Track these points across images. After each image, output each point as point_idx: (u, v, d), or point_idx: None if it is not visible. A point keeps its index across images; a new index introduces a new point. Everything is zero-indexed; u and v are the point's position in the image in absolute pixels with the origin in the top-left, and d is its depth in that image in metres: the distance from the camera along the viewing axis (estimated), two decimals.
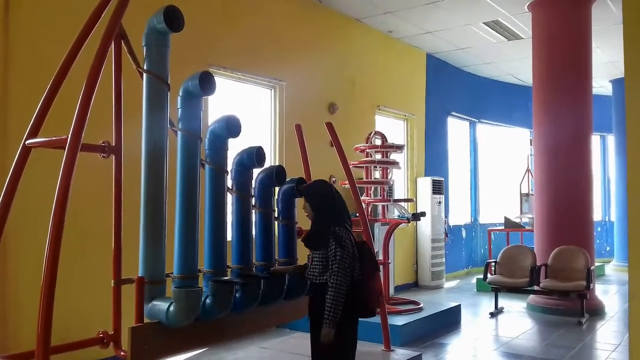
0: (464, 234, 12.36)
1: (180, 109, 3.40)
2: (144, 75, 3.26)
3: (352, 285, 3.36)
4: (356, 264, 3.42)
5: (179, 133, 3.39)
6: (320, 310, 3.32)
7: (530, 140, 11.25)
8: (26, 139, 3.14)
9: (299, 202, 4.43)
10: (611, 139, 14.52)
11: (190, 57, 5.78)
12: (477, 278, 10.31)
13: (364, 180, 7.31)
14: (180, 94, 3.39)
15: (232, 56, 6.85)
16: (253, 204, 3.91)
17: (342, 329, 3.33)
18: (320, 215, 3.52)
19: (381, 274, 6.62)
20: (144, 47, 3.27)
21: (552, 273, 7.83)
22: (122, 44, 3.33)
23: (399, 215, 7.36)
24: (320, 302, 3.33)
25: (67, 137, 2.70)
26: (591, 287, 7.53)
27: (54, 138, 2.92)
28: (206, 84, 3.33)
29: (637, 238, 2.74)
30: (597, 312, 7.93)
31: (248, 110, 7.38)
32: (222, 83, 6.91)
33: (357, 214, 5.39)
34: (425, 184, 10.54)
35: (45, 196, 3.03)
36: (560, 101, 8.19)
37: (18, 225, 4.58)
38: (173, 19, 3.20)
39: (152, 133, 3.25)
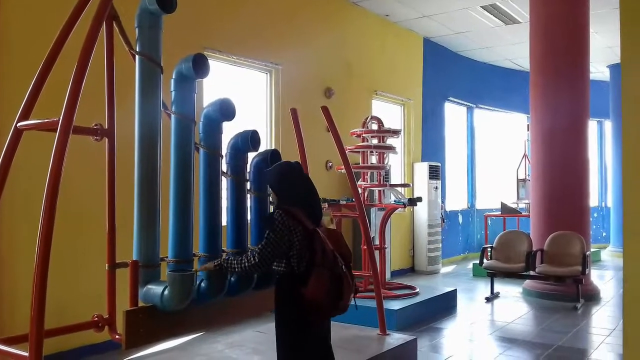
0: (460, 219, 12.38)
1: (173, 92, 3.36)
2: (137, 57, 3.22)
3: (292, 278, 2.99)
4: (304, 254, 2.96)
5: (173, 116, 3.36)
6: (276, 303, 3.12)
7: (528, 125, 11.23)
8: (17, 122, 3.11)
9: None
10: (608, 125, 14.51)
11: (185, 40, 5.73)
12: (473, 263, 10.34)
13: (361, 165, 7.28)
14: (174, 77, 3.35)
15: (228, 39, 6.78)
16: (248, 188, 3.88)
17: (289, 332, 3.07)
18: (278, 200, 3.18)
19: (377, 258, 6.66)
20: (137, 29, 3.23)
21: (548, 258, 7.85)
22: (114, 25, 3.28)
23: (395, 201, 7.35)
24: (276, 295, 3.13)
25: (59, 119, 2.66)
26: (587, 272, 7.56)
27: (46, 120, 2.88)
28: (200, 66, 3.29)
29: (632, 223, 2.73)
30: (592, 297, 7.96)
31: (244, 94, 7.33)
32: (218, 67, 6.86)
33: (353, 199, 5.38)
34: (422, 169, 10.53)
35: (38, 179, 2.99)
36: (557, 86, 8.15)
37: (12, 209, 4.56)
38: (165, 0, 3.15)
39: (145, 116, 3.21)
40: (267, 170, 3.42)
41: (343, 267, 3.01)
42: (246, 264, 3.00)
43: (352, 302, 3.13)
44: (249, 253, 3.04)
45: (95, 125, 3.16)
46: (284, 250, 2.97)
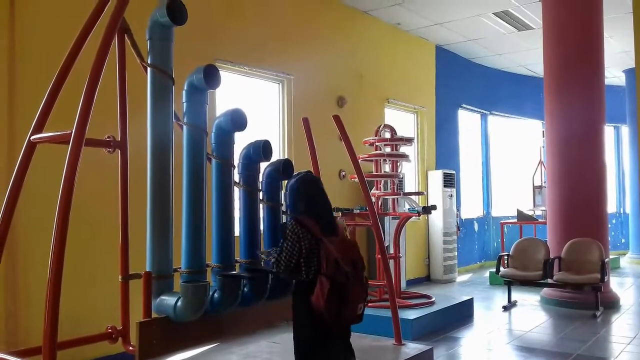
0: (476, 227, 12.27)
1: (185, 103, 3.38)
2: (148, 69, 3.25)
3: (303, 286, 3.16)
4: (312, 262, 3.12)
5: (185, 127, 3.38)
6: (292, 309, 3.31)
7: (543, 132, 11.14)
8: (31, 135, 3.14)
9: None
10: (625, 130, 14.33)
11: (197, 51, 5.77)
12: (490, 271, 10.23)
13: (374, 173, 7.26)
14: (185, 88, 3.37)
15: (239, 50, 6.82)
16: (261, 197, 3.88)
17: (299, 332, 3.27)
18: (292, 210, 3.42)
19: (392, 267, 6.62)
20: (148, 41, 3.26)
21: (566, 266, 7.74)
22: (126, 38, 3.31)
23: (409, 209, 7.31)
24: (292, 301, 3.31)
25: (71, 132, 2.68)
26: (606, 279, 7.44)
27: (59, 133, 2.90)
28: (211, 77, 3.31)
29: None
30: (612, 305, 7.83)
31: (256, 104, 7.36)
32: (229, 77, 6.89)
33: (367, 208, 5.36)
34: (436, 177, 10.47)
35: (52, 192, 3.02)
36: (572, 92, 8.07)
37: (26, 222, 4.61)
38: (176, 12, 3.18)
39: (157, 127, 3.24)
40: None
41: (348, 275, 3.07)
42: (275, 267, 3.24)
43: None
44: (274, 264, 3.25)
45: (108, 137, 3.19)
46: (297, 257, 3.12)
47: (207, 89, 3.38)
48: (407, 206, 7.50)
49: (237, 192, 3.74)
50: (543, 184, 11.72)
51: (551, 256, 7.89)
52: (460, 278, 10.74)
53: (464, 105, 11.92)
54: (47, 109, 3.14)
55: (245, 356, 4.69)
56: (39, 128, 3.13)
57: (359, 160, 5.52)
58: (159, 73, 3.22)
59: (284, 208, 4.13)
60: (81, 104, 2.71)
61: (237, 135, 3.65)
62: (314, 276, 3.08)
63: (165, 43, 3.27)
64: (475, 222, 12.26)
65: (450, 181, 10.54)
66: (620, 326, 6.85)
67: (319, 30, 8.23)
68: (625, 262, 12.91)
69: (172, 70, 3.29)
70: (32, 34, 4.86)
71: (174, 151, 3.30)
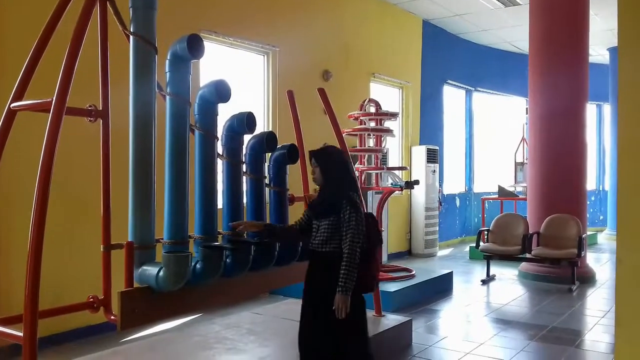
0: (458, 202, 12.40)
1: (168, 73, 3.34)
2: (131, 37, 3.19)
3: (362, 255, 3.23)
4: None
5: (168, 97, 3.34)
6: (320, 281, 3.25)
7: (526, 108, 11.20)
8: (11, 102, 3.09)
9: (291, 169, 4.41)
10: (607, 108, 14.46)
11: (181, 21, 5.69)
12: (470, 246, 10.39)
13: (358, 148, 7.27)
14: (169, 58, 3.32)
15: (224, 21, 6.73)
16: (244, 170, 3.88)
17: (355, 299, 3.19)
18: (332, 182, 3.35)
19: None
20: (131, 9, 3.19)
21: (544, 241, 7.88)
22: (108, 5, 3.24)
23: (392, 184, 7.36)
24: (322, 272, 3.23)
25: (52, 99, 2.65)
26: (582, 254, 7.60)
27: (39, 101, 2.86)
28: (194, 47, 3.26)
29: (625, 204, 2.73)
30: (588, 279, 8.01)
31: (241, 76, 7.29)
32: (214, 48, 6.81)
33: None
34: (420, 153, 10.52)
35: (35, 161, 2.98)
36: (556, 69, 8.12)
37: (7, 191, 4.56)
38: None
39: (140, 97, 3.20)
40: (320, 152, 3.47)
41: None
42: (357, 258, 3.14)
43: None
44: (354, 246, 3.14)
45: (90, 106, 3.14)
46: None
47: (190, 59, 3.34)
48: (390, 181, 7.55)
49: (220, 164, 3.73)
50: (525, 161, 11.84)
51: (530, 231, 8.03)
52: (441, 252, 10.89)
53: (449, 81, 11.92)
54: (27, 77, 3.08)
55: (227, 326, 4.73)
56: (19, 96, 3.08)
57: (344, 135, 5.53)
58: (142, 42, 3.17)
59: (267, 181, 4.15)
60: (62, 72, 2.68)
61: (221, 107, 3.62)
62: (368, 246, 3.32)
63: (149, 11, 3.21)
64: (457, 197, 12.38)
65: (433, 157, 10.61)
66: (595, 300, 7.03)
67: (306, 2, 8.14)
68: (602, 238, 13.17)
69: (155, 39, 3.23)
70: (16, 1, 4.74)
71: (156, 121, 3.27)
